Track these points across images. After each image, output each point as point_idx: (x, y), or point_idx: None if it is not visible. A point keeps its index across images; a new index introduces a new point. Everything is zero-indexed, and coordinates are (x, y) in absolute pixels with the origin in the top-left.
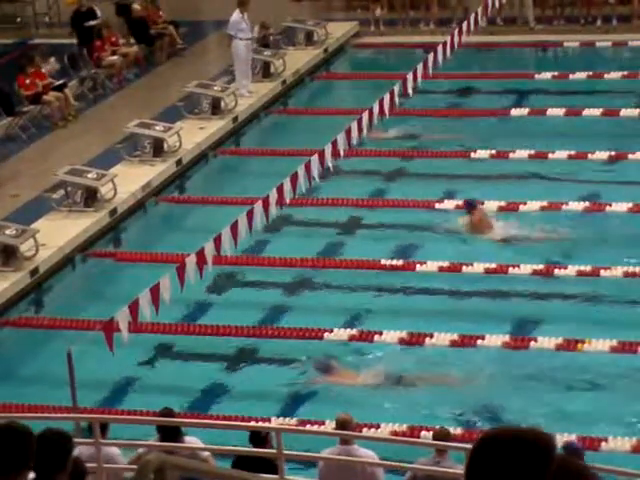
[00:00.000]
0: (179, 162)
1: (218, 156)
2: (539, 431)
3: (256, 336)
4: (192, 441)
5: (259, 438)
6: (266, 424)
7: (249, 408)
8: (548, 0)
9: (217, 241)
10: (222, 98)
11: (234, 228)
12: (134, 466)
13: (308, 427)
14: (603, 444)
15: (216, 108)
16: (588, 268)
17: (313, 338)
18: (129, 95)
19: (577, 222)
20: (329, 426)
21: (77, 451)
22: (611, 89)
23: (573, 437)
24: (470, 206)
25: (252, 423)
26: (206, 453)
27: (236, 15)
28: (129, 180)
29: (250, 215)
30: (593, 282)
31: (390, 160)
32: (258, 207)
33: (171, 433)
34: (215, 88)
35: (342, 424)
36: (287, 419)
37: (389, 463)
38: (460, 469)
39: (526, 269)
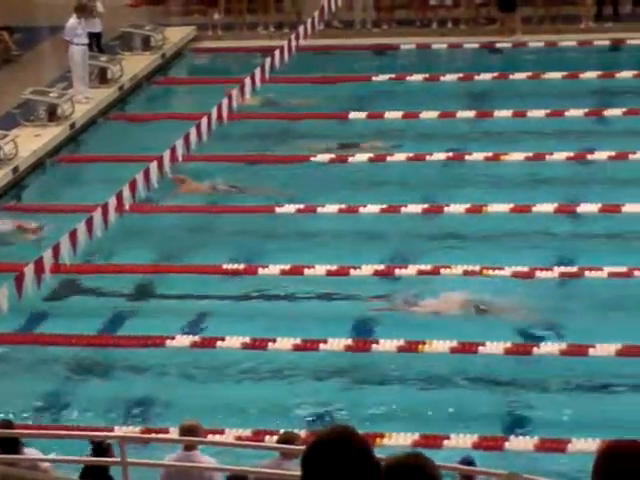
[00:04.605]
0: (15, 170)
1: (56, 164)
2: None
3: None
4: (32, 452)
5: (101, 448)
6: (109, 433)
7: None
8: (384, 3)
9: (56, 250)
10: (59, 105)
11: (73, 236)
12: None
13: (153, 435)
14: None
15: (53, 115)
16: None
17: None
18: None
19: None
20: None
21: None
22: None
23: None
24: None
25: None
26: (46, 464)
27: (73, 20)
28: None
29: (90, 223)
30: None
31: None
32: (97, 214)
33: (10, 445)
34: (52, 95)
35: (189, 430)
36: (131, 427)
37: (229, 467)
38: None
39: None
